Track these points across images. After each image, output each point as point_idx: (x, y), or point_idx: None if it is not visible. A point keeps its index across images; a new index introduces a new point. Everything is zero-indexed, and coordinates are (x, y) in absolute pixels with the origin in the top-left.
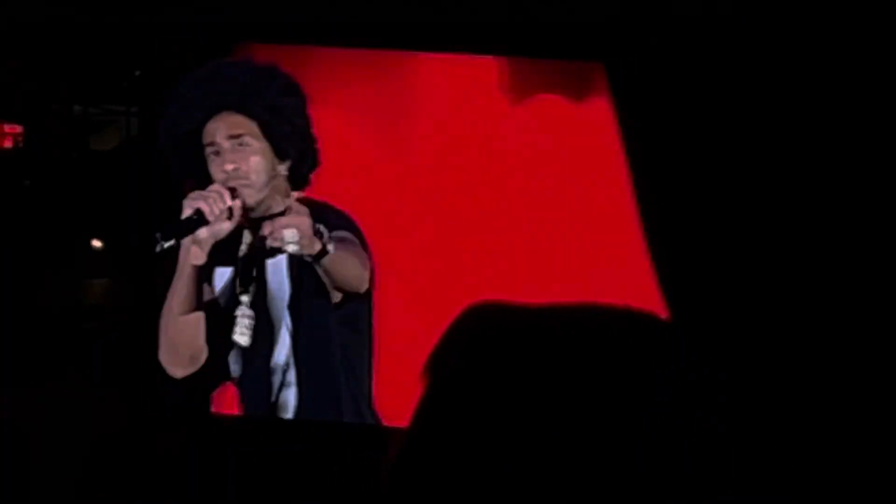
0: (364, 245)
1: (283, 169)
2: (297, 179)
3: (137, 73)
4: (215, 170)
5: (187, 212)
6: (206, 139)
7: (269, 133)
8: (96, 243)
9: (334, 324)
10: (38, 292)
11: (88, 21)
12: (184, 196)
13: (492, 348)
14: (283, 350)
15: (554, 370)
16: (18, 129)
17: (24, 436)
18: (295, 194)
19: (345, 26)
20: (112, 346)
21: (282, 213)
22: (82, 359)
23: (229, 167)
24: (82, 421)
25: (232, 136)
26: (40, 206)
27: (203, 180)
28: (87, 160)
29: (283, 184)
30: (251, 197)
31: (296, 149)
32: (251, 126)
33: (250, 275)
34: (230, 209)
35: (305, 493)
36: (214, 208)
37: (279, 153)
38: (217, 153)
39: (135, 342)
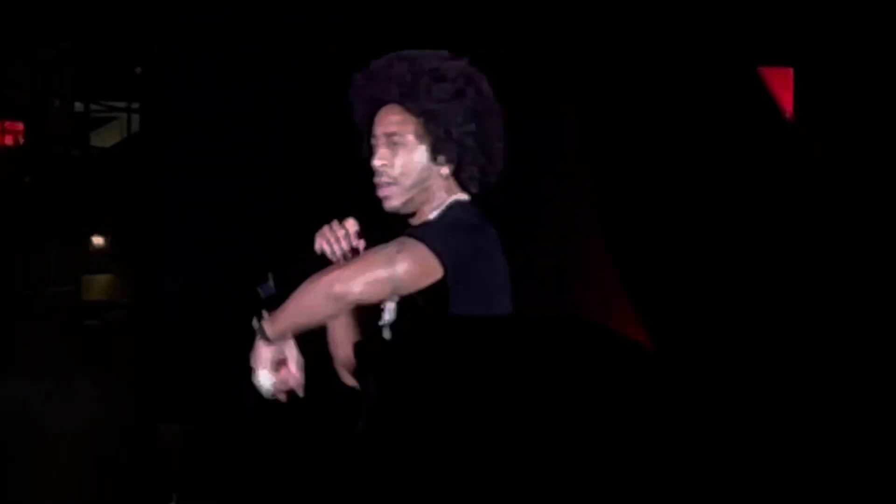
0: (438, 249)
1: (442, 171)
2: (465, 183)
3: (138, 70)
4: (372, 162)
5: (316, 247)
6: (372, 130)
7: (427, 134)
8: (98, 240)
9: None
10: (39, 288)
11: (89, 19)
12: None
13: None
14: None
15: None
16: (20, 126)
17: (26, 429)
18: (461, 196)
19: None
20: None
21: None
22: (84, 354)
23: (378, 163)
24: (84, 414)
25: (387, 132)
26: (41, 202)
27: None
28: (89, 157)
29: (441, 185)
30: (396, 197)
31: (457, 153)
32: (410, 123)
33: None
34: (354, 249)
35: None
36: (336, 249)
37: (436, 155)
38: (375, 146)
39: (136, 337)
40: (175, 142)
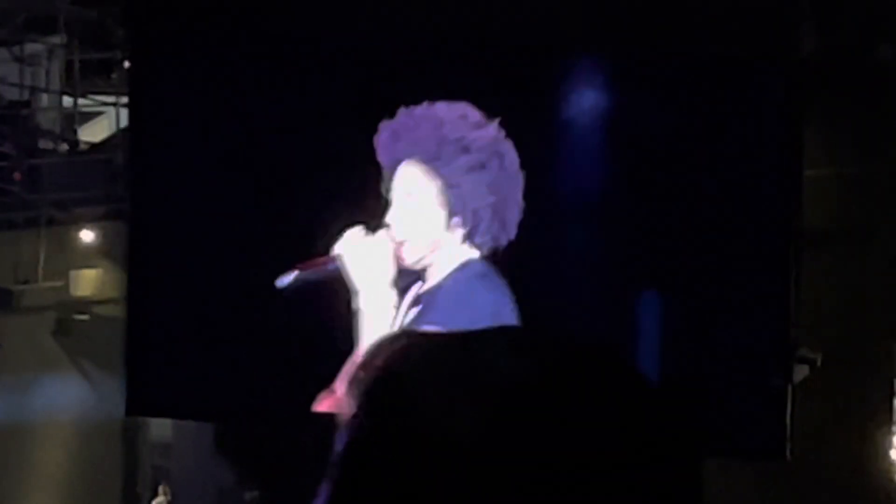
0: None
1: (455, 234)
2: (477, 245)
3: (127, 64)
4: (387, 215)
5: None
6: (392, 181)
7: (444, 200)
8: (87, 235)
9: None
10: (29, 283)
11: (78, 12)
12: None
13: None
14: None
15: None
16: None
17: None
18: (472, 255)
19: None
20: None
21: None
22: (73, 348)
23: (391, 220)
24: (73, 408)
25: (406, 192)
26: (30, 197)
27: None
28: (78, 151)
29: (453, 247)
30: (408, 256)
31: (472, 221)
32: (429, 186)
33: None
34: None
35: None
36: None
37: (451, 220)
38: (391, 200)
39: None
40: (164, 136)
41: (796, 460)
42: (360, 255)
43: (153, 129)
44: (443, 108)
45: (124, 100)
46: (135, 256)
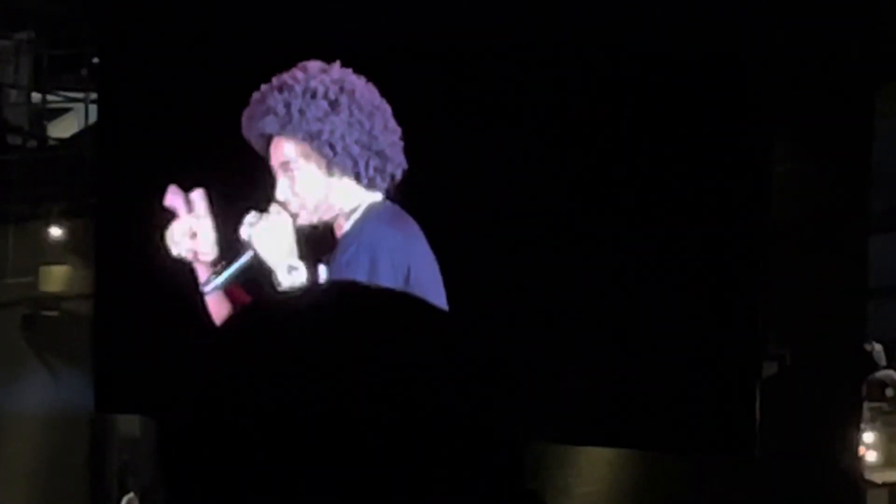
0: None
1: (341, 183)
2: (370, 185)
3: (96, 59)
4: (276, 192)
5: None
6: (268, 162)
7: (315, 154)
8: (55, 231)
9: None
10: None
11: (46, 8)
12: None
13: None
14: None
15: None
16: None
17: None
18: (373, 199)
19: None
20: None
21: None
22: (42, 344)
23: (280, 196)
24: (42, 405)
25: (281, 163)
26: None
27: None
28: (46, 147)
29: (345, 196)
30: (305, 220)
31: (349, 164)
32: (295, 147)
33: None
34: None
35: None
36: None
37: (330, 171)
38: (275, 177)
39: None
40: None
41: (764, 457)
42: (263, 237)
43: (120, 126)
44: (278, 77)
45: (93, 96)
46: (102, 252)
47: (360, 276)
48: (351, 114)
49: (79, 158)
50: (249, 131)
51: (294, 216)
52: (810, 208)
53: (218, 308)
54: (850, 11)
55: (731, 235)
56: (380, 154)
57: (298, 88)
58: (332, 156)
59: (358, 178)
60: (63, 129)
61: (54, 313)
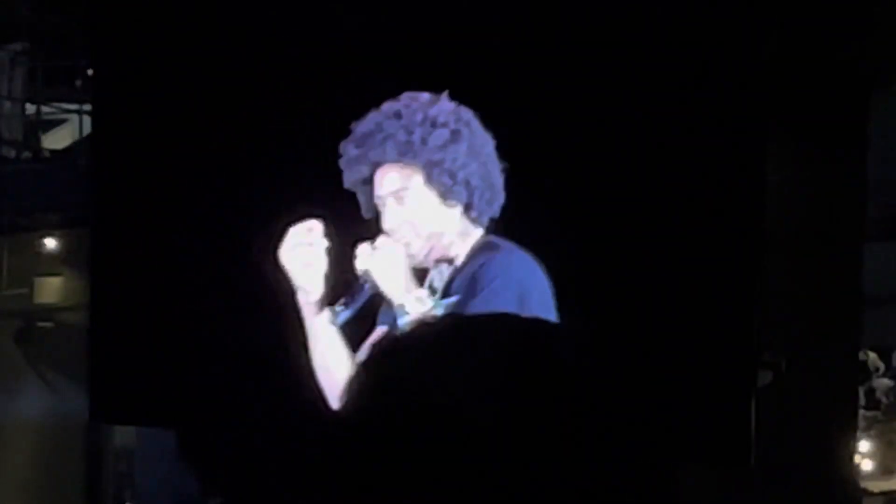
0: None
1: (454, 214)
2: (476, 219)
3: (90, 71)
4: (382, 221)
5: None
6: (375, 191)
7: (432, 182)
8: (50, 242)
9: None
10: None
11: (41, 20)
12: None
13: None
14: None
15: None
16: None
17: None
18: (475, 235)
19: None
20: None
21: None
22: (37, 356)
23: (388, 225)
24: (37, 417)
25: (393, 191)
26: None
27: None
28: (41, 159)
29: (456, 228)
30: (417, 252)
31: (465, 193)
32: (411, 176)
33: None
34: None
35: None
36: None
37: (445, 200)
38: (381, 208)
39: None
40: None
41: (760, 466)
42: (381, 267)
43: (115, 136)
44: (389, 105)
45: (87, 107)
46: (97, 263)
47: (486, 306)
48: (470, 144)
49: (74, 170)
50: (355, 160)
51: (406, 245)
52: (805, 216)
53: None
54: (844, 18)
55: (725, 243)
56: (492, 187)
57: (419, 116)
58: (451, 184)
59: (468, 209)
60: (58, 140)
61: (49, 325)
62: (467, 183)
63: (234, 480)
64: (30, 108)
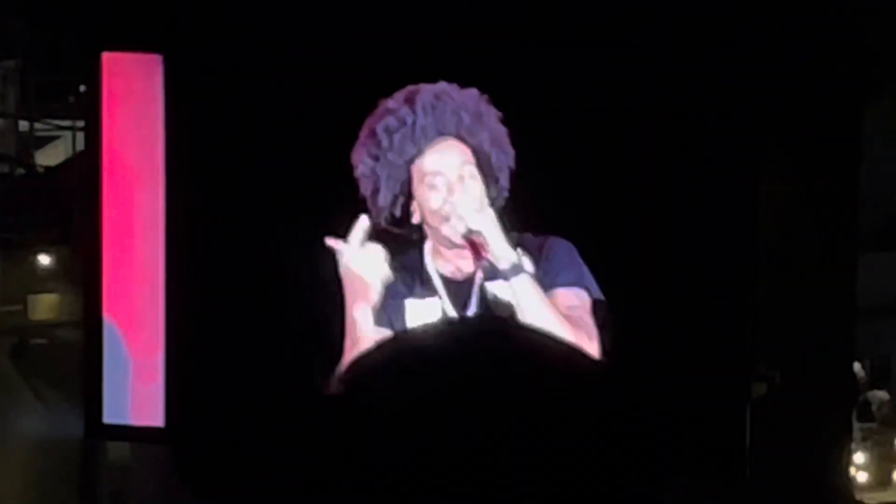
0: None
1: (495, 198)
2: (493, 203)
3: (83, 88)
4: (434, 198)
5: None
6: (428, 168)
7: (483, 166)
8: (43, 259)
9: None
10: None
11: (34, 36)
12: None
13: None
14: None
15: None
16: None
17: None
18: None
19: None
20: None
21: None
22: (32, 373)
23: (451, 205)
24: (31, 434)
25: (456, 171)
26: None
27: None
28: (34, 175)
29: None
30: (455, 223)
31: (508, 178)
32: (472, 158)
33: None
34: None
35: None
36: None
37: (490, 183)
38: (436, 186)
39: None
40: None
41: (755, 478)
42: (492, 225)
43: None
44: (443, 84)
45: (81, 124)
46: (90, 280)
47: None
48: (493, 129)
49: (67, 186)
50: (413, 127)
51: (469, 232)
52: (798, 228)
53: None
54: (837, 31)
55: (719, 255)
56: (510, 174)
57: (449, 103)
58: (499, 167)
59: (488, 191)
60: (51, 156)
61: (43, 341)
62: (496, 165)
63: (230, 497)
64: (23, 125)
